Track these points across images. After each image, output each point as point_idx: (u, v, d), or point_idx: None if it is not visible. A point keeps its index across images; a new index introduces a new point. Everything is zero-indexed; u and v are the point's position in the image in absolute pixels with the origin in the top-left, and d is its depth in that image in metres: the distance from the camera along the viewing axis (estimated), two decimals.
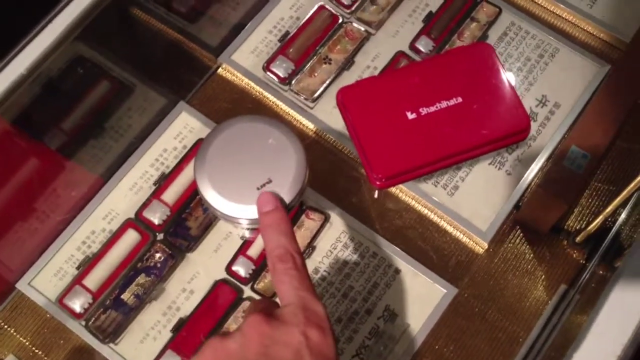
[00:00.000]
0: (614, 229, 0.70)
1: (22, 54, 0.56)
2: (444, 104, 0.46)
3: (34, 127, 0.71)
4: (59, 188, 0.71)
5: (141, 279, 0.67)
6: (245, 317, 0.45)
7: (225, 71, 0.77)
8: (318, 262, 0.69)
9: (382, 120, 0.46)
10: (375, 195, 0.70)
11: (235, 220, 0.49)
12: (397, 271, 0.68)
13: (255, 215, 0.48)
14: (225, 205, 0.48)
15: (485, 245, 0.70)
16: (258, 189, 0.48)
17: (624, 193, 0.61)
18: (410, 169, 0.46)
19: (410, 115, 0.46)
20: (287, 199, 0.48)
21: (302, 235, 0.69)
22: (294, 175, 0.48)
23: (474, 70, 0.48)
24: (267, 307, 0.45)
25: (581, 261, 0.70)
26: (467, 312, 0.68)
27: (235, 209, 0.48)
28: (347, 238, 0.70)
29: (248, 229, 0.62)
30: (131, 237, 0.68)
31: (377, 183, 0.46)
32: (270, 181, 0.48)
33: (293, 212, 0.68)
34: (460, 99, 0.46)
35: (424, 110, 0.46)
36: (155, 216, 0.69)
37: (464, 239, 0.71)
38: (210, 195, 0.48)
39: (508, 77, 0.48)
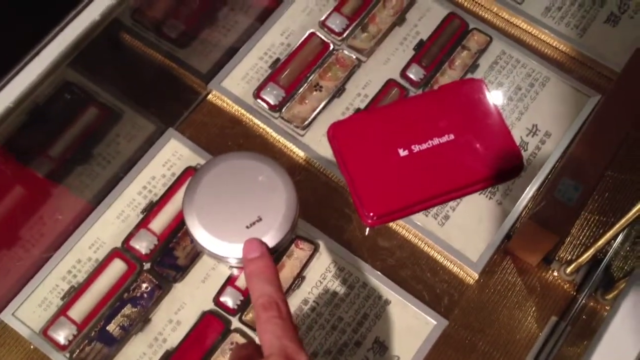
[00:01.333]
0: (604, 261, 0.69)
1: (9, 85, 0.56)
2: (436, 141, 0.46)
3: (20, 153, 0.70)
4: (45, 216, 0.69)
5: (127, 309, 0.66)
6: None
7: (215, 98, 0.77)
8: (307, 293, 0.68)
9: (373, 157, 0.46)
10: (367, 233, 0.69)
11: (224, 259, 0.48)
12: (387, 302, 0.68)
13: None
14: (214, 243, 0.47)
15: (476, 276, 0.69)
16: (248, 227, 0.47)
17: (616, 227, 0.61)
18: (402, 207, 0.45)
19: (402, 152, 0.46)
20: (278, 237, 0.47)
21: (292, 265, 0.68)
22: (284, 213, 0.47)
23: (466, 107, 0.47)
24: (249, 357, 0.44)
25: (572, 293, 0.69)
26: (458, 344, 0.67)
27: (224, 247, 0.47)
28: (337, 268, 0.69)
29: (237, 267, 0.61)
30: (117, 267, 0.67)
31: (369, 221, 0.46)
32: (260, 219, 0.47)
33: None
34: (452, 136, 0.46)
35: (416, 148, 0.46)
36: (143, 245, 0.68)
37: (455, 270, 0.70)
38: (199, 233, 0.47)
39: (500, 113, 0.47)
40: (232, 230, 0.47)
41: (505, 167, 0.46)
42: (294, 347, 0.43)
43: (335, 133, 0.47)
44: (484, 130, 0.46)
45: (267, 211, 0.47)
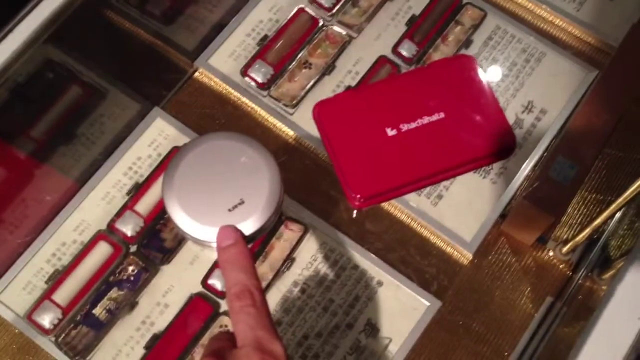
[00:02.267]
0: (601, 241, 0.68)
1: None
2: (425, 120, 0.44)
3: (1, 132, 0.68)
4: (28, 198, 0.68)
5: (113, 293, 0.65)
6: None
7: (202, 76, 0.75)
8: (297, 275, 0.66)
9: (360, 136, 0.44)
10: (354, 215, 0.68)
11: (206, 244, 0.46)
12: (379, 284, 0.66)
13: None
14: (195, 227, 0.46)
15: (470, 257, 0.68)
16: (230, 210, 0.45)
17: (613, 207, 0.60)
18: (390, 189, 0.44)
19: (390, 132, 0.44)
20: (261, 220, 0.45)
21: (282, 247, 0.67)
22: (267, 196, 0.46)
23: (457, 85, 0.45)
24: (222, 349, 0.43)
25: (568, 272, 0.68)
26: (451, 325, 0.66)
27: (206, 231, 0.45)
28: (328, 249, 0.67)
29: None
30: (103, 250, 0.66)
31: (356, 203, 0.44)
32: (242, 202, 0.46)
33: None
34: (442, 115, 0.44)
35: (404, 127, 0.44)
36: (128, 227, 0.66)
37: (448, 250, 0.69)
38: (179, 217, 0.46)
39: (492, 91, 0.46)
40: (213, 214, 0.45)
41: (497, 147, 0.44)
42: (269, 336, 0.42)
43: (321, 112, 0.45)
44: (476, 108, 0.45)
45: (249, 194, 0.46)
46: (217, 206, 0.46)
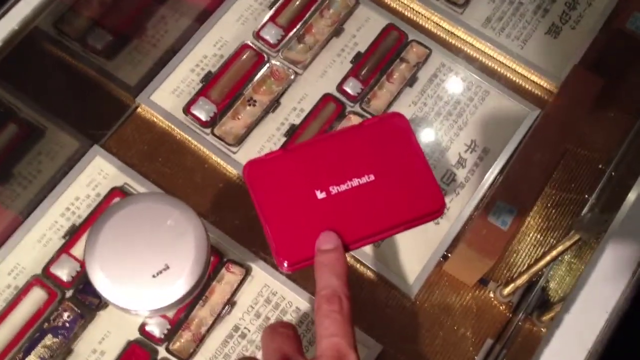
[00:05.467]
0: (540, 283, 0.69)
1: None
2: (355, 182, 0.44)
3: None
4: None
5: (48, 340, 0.63)
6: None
7: (144, 112, 0.74)
8: (238, 319, 0.65)
9: (289, 199, 0.43)
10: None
11: (128, 311, 0.46)
12: None
13: (152, 306, 0.44)
14: (118, 294, 0.45)
15: (412, 298, 0.68)
16: (154, 276, 0.45)
17: (552, 254, 0.60)
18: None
19: (320, 195, 0.43)
20: (185, 287, 0.45)
21: (222, 290, 0.66)
22: (193, 260, 0.45)
23: (387, 145, 0.45)
24: (293, 354, 0.42)
25: (508, 314, 0.68)
26: None
27: (129, 298, 0.44)
28: (269, 292, 0.67)
29: (148, 317, 0.58)
30: (37, 295, 0.64)
31: (283, 267, 0.43)
32: (167, 267, 0.45)
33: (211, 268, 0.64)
34: (372, 177, 0.44)
35: (334, 189, 0.43)
36: (64, 272, 0.65)
37: (391, 292, 0.69)
38: (101, 284, 0.45)
39: (422, 152, 0.45)
40: (137, 280, 0.45)
41: (425, 211, 0.44)
42: (346, 345, 0.42)
43: (251, 173, 0.44)
44: (405, 171, 0.44)
45: (175, 258, 0.45)
46: (140, 272, 0.45)
